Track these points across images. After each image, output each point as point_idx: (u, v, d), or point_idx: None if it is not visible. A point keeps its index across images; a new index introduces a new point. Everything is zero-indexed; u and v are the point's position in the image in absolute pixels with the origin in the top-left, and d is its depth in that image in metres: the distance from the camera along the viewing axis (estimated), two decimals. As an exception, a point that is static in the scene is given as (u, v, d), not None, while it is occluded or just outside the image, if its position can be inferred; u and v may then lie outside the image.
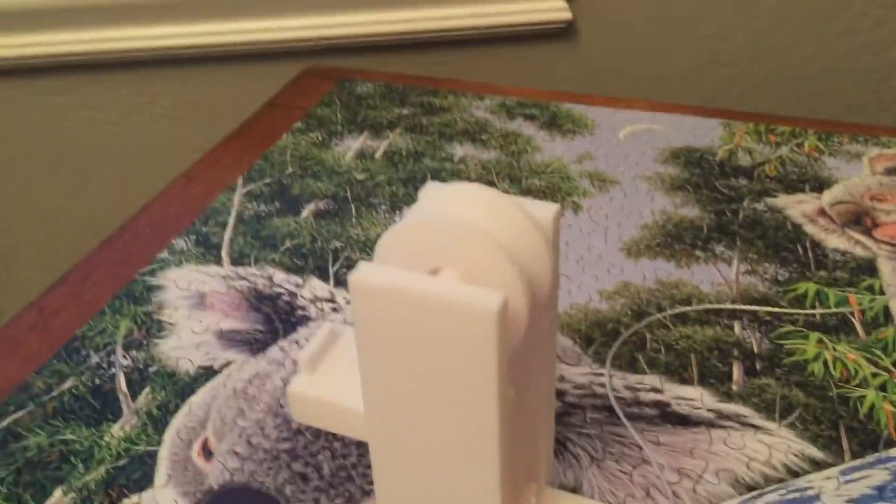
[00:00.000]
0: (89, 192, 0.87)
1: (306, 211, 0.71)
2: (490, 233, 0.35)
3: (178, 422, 0.51)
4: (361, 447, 0.49)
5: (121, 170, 0.94)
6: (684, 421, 0.50)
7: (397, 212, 0.70)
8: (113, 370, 0.55)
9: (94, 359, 0.56)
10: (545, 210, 0.37)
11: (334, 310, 0.59)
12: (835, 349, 0.55)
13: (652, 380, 0.53)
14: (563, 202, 0.70)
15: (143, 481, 0.47)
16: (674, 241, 0.65)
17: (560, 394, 0.52)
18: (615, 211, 0.69)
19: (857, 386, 0.52)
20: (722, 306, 0.58)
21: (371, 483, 0.47)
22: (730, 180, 0.73)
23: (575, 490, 0.46)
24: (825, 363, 0.54)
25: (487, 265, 0.34)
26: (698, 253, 0.64)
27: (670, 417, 0.50)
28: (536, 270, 0.36)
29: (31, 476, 0.48)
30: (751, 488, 0.46)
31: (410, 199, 0.71)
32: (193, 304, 0.60)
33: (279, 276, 0.63)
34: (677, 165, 0.75)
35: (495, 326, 0.31)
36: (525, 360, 0.37)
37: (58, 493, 0.47)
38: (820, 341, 0.55)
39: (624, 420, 0.50)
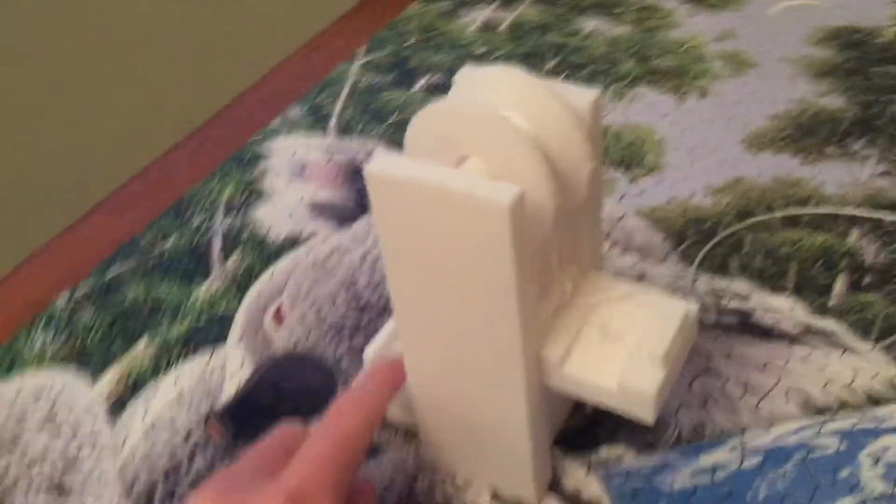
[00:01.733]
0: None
1: (419, 84, 0.69)
2: (516, 121, 0.33)
3: (259, 286, 0.53)
4: (422, 327, 0.49)
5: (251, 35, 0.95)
6: (765, 334, 0.46)
7: (509, 89, 0.67)
8: (211, 232, 0.58)
9: (197, 220, 0.59)
10: (584, 97, 0.34)
11: (425, 188, 0.59)
12: (965, 269, 0.48)
13: (740, 286, 0.49)
14: (689, 87, 0.65)
15: (219, 339, 0.50)
16: (805, 134, 0.59)
17: (635, 292, 0.49)
18: (746, 97, 0.63)
19: (980, 312, 0.46)
20: (841, 211, 0.52)
21: (423, 364, 0.47)
22: (889, 67, 0.64)
23: (627, 393, 0.44)
24: (948, 284, 0.47)
25: (512, 155, 0.32)
26: (830, 150, 0.57)
27: (751, 328, 0.46)
28: (570, 160, 0.33)
29: (124, 323, 0.52)
30: (821, 412, 0.42)
31: (527, 76, 0.68)
32: (294, 173, 0.62)
33: (380, 150, 0.63)
34: (831, 48, 0.67)
35: (508, 221, 0.30)
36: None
37: (143, 341, 0.51)
38: (949, 258, 0.49)
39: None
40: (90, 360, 0.50)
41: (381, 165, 0.32)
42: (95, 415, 0.48)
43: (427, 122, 0.34)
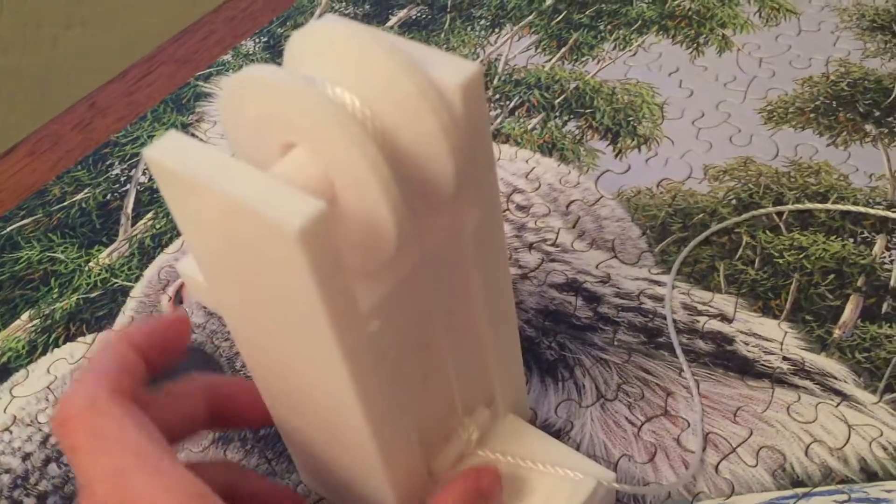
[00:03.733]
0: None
1: (394, 18, 0.60)
2: (348, 103, 0.24)
3: (164, 258, 0.46)
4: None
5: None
6: (745, 367, 0.37)
7: (495, 31, 0.57)
8: (128, 186, 0.50)
9: (116, 170, 0.52)
10: (454, 73, 0.25)
11: (376, 147, 0.50)
12: None
13: (724, 302, 0.39)
14: (709, 37, 0.54)
15: (105, 320, 0.43)
16: (841, 106, 0.48)
17: (594, 299, 0.40)
18: (777, 54, 0.52)
19: None
20: (869, 210, 0.42)
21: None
22: (962, 24, 0.52)
23: (559, 433, 0.36)
24: None
25: (341, 149, 0.23)
26: (868, 127, 0.46)
27: (728, 359, 0.37)
28: (426, 158, 0.24)
29: (10, 292, 0.46)
30: (798, 484, 0.33)
31: (518, 15, 0.58)
32: (233, 120, 0.53)
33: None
34: (892, -4, 0.55)
35: (300, 248, 0.21)
36: (431, 274, 0.28)
37: (25, 316, 0.44)
38: None
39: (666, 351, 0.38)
40: (-34, 332, 0.44)
41: (163, 151, 0.24)
42: (-40, 398, 0.41)
43: (242, 95, 0.25)
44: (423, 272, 0.27)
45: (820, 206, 0.43)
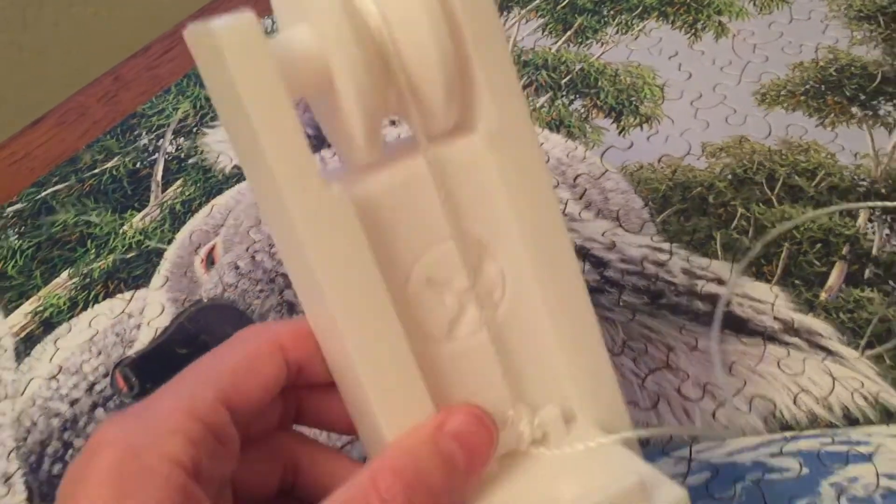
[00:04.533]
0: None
1: (407, 0, 0.62)
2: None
3: (195, 222, 0.49)
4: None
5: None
6: (739, 326, 0.40)
7: (504, 14, 0.60)
8: (156, 155, 0.53)
9: (144, 140, 0.54)
10: None
11: (392, 122, 0.53)
12: None
13: (720, 267, 0.43)
14: (707, 23, 0.57)
15: (142, 279, 0.46)
16: (829, 90, 0.51)
17: (601, 264, 0.43)
18: (770, 40, 0.55)
19: None
20: (850, 185, 0.46)
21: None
22: (942, 16, 0.55)
23: (570, 384, 0.39)
24: (962, 285, 0.41)
25: (328, 36, 0.23)
26: (855, 110, 0.50)
27: (724, 318, 0.41)
28: (413, 35, 0.23)
29: (48, 252, 0.48)
30: (786, 428, 0.37)
31: (525, 0, 0.61)
32: (255, 95, 0.56)
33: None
34: (878, -12, 0.58)
35: (224, 50, 0.21)
36: (447, 192, 0.25)
37: (64, 274, 0.47)
38: (969, 254, 0.42)
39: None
40: (8, 289, 0.47)
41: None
42: (4, 349, 0.44)
43: None
44: (429, 185, 0.25)
45: (808, 182, 0.46)
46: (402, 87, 0.24)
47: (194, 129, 0.54)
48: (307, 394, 0.29)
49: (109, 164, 0.53)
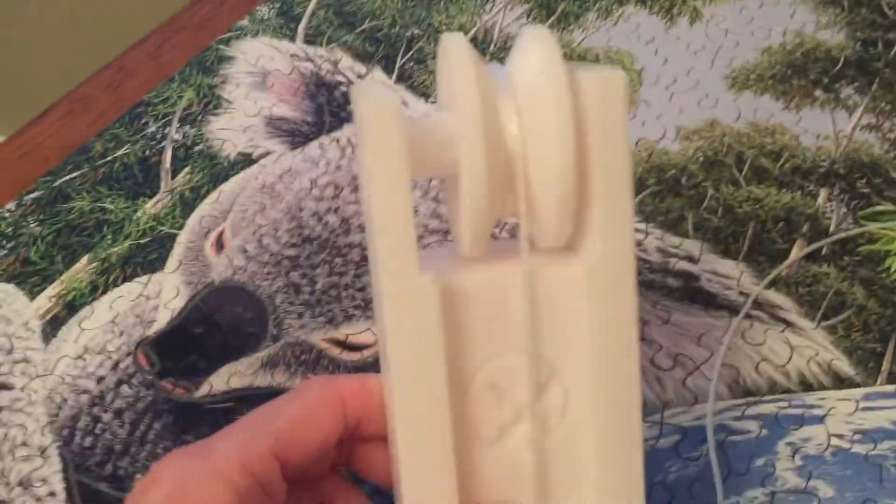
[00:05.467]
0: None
1: (397, -13, 0.65)
2: (502, 111, 0.25)
3: (203, 209, 0.52)
4: (360, 266, 0.48)
5: None
6: (708, 301, 0.44)
7: (492, 1, 0.63)
8: (164, 143, 0.56)
9: (151, 128, 0.57)
10: (595, 73, 0.25)
11: (386, 108, 0.56)
12: (932, 244, 0.45)
13: (691, 246, 0.47)
14: (682, 8, 0.60)
15: (157, 263, 0.50)
16: (795, 73, 0.55)
17: (582, 244, 0.47)
18: (740, 25, 0.58)
19: (937, 295, 0.43)
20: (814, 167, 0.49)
21: (354, 307, 0.46)
22: (903, -1, 0.59)
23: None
24: (910, 260, 0.45)
25: (461, 136, 0.25)
26: (818, 93, 0.53)
27: (694, 294, 0.45)
28: (540, 161, 0.25)
29: (67, 239, 0.52)
30: (749, 393, 0.41)
31: (512, -16, 0.63)
32: (255, 83, 0.59)
33: (346, 61, 0.60)
34: (844, -29, 0.61)
35: (365, 125, 0.24)
36: (535, 307, 0.26)
37: (84, 259, 0.50)
38: (918, 231, 0.46)
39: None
40: (32, 274, 0.50)
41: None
42: (33, 331, 0.48)
43: (443, 58, 0.27)
44: (519, 295, 0.26)
45: (773, 163, 0.50)
46: (521, 197, 0.25)
47: (199, 118, 0.57)
48: (360, 445, 0.30)
49: (120, 153, 0.56)
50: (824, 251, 0.46)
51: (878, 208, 0.47)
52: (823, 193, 0.48)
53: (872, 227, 0.46)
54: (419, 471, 0.26)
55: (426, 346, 0.25)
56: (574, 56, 0.58)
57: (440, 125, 0.25)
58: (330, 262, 0.48)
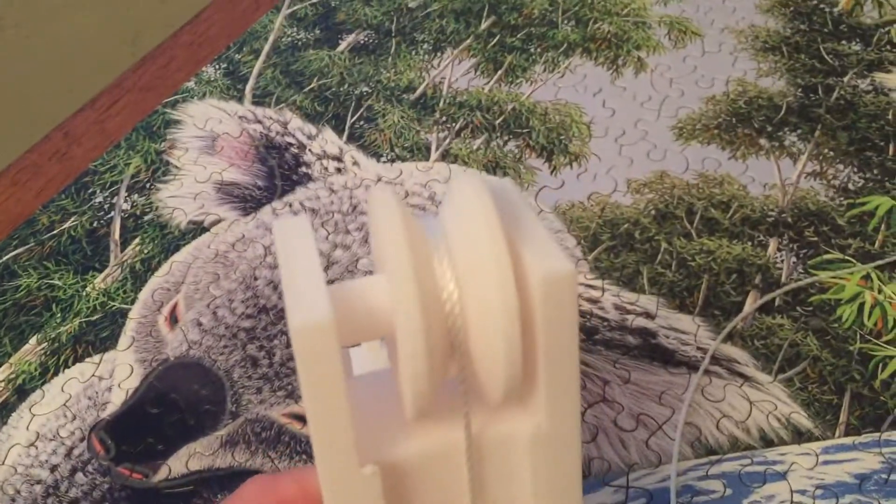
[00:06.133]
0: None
1: (344, 43, 0.65)
2: (439, 277, 0.24)
3: (155, 281, 0.51)
4: (318, 337, 0.47)
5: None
6: (667, 358, 0.45)
7: (438, 55, 0.63)
8: (112, 213, 0.55)
9: (99, 198, 0.56)
10: (542, 264, 0.24)
11: (338, 170, 0.56)
12: (881, 290, 0.46)
13: (648, 301, 0.47)
14: (626, 58, 0.61)
15: (109, 341, 0.49)
16: (739, 122, 0.56)
17: (540, 305, 0.47)
18: (685, 74, 0.59)
19: (888, 342, 0.44)
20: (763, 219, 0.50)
21: (315, 380, 0.46)
22: (839, 44, 0.60)
23: (517, 422, 0.43)
24: (860, 307, 0.46)
25: (398, 305, 0.24)
26: (762, 141, 0.54)
27: (653, 351, 0.45)
28: (484, 348, 0.24)
29: (15, 319, 0.50)
30: (711, 452, 0.41)
31: (457, 39, 0.64)
32: (204, 147, 0.59)
33: (295, 122, 0.59)
34: (782, 17, 0.63)
35: (294, 342, 0.23)
36: (479, 471, 0.26)
37: (33, 340, 0.49)
38: (866, 278, 0.47)
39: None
40: (-22, 357, 0.49)
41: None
42: (-18, 418, 0.46)
43: (373, 211, 0.26)
44: (462, 461, 0.26)
45: (722, 215, 0.51)
46: (462, 364, 0.24)
47: (147, 185, 0.56)
48: None
49: (67, 225, 0.55)
50: (777, 302, 0.46)
51: (827, 256, 0.48)
52: (773, 243, 0.49)
53: (822, 276, 0.47)
54: None
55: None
56: (523, 111, 0.58)
57: (374, 291, 0.25)
58: (287, 333, 0.47)
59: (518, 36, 0.64)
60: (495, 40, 0.63)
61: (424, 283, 0.23)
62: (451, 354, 0.24)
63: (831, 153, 0.53)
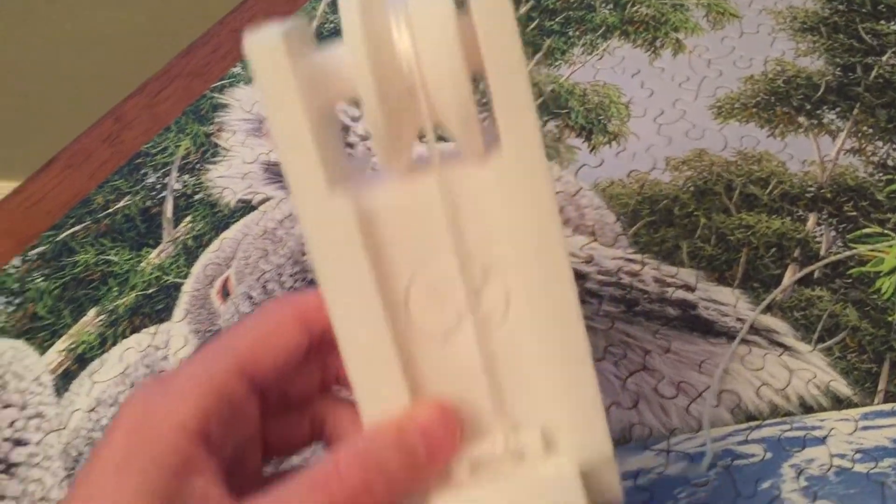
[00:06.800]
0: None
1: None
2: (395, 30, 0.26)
3: (207, 257, 0.53)
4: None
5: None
6: (706, 328, 0.45)
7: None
8: (164, 193, 0.57)
9: (151, 178, 0.58)
10: None
11: (382, 150, 0.57)
12: (920, 263, 0.47)
13: (687, 275, 0.48)
14: (664, 40, 0.62)
15: (164, 313, 0.50)
16: (778, 101, 0.56)
17: (580, 276, 0.48)
18: (723, 55, 0.60)
19: (927, 313, 0.45)
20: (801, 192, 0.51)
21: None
22: (878, 24, 0.60)
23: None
24: (900, 280, 0.46)
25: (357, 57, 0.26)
26: (801, 119, 0.55)
27: (693, 322, 0.46)
28: (433, 66, 0.26)
29: (74, 292, 0.52)
30: (751, 418, 0.42)
31: None
32: (251, 129, 0.60)
33: (339, 104, 0.61)
34: (820, -1, 0.63)
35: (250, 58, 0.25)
36: (452, 214, 0.27)
37: (92, 312, 0.51)
38: (905, 251, 0.47)
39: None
40: (40, 329, 0.51)
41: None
42: (45, 386, 0.48)
43: None
44: (438, 205, 0.27)
45: (762, 190, 0.51)
46: (423, 112, 0.26)
47: (197, 166, 0.58)
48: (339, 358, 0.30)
49: (121, 204, 0.57)
50: (816, 275, 0.47)
51: (866, 231, 0.48)
52: (812, 218, 0.50)
53: (861, 249, 0.48)
54: (364, 376, 0.27)
55: (347, 261, 0.26)
56: (562, 92, 0.59)
57: (334, 59, 0.26)
58: (335, 305, 0.49)
59: (556, 20, 0.64)
60: (534, 24, 0.64)
61: (376, 42, 0.25)
62: (413, 109, 0.26)
63: (870, 130, 0.54)
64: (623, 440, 0.42)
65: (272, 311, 0.30)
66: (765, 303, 0.46)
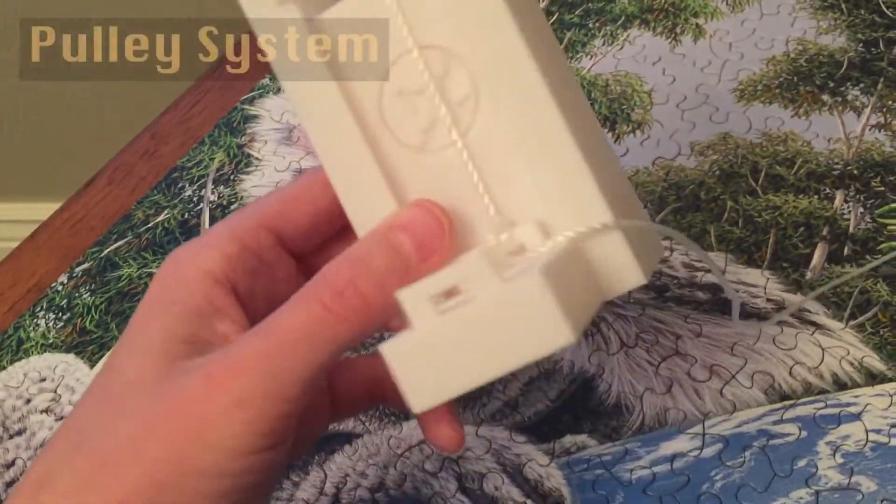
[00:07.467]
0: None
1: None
2: None
3: (245, 264, 0.54)
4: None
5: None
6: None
7: (499, 35, 0.65)
8: (201, 205, 0.59)
9: (188, 191, 0.60)
10: None
11: (410, 152, 0.58)
12: (951, 235, 0.47)
13: (716, 258, 0.48)
14: (685, 26, 0.62)
15: (206, 321, 0.52)
16: (801, 80, 0.56)
17: (610, 267, 0.49)
18: (743, 38, 0.60)
19: (960, 285, 0.45)
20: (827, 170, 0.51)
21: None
22: (900, -3, 0.60)
23: (593, 378, 0.45)
24: (931, 253, 0.46)
25: None
26: (825, 97, 0.55)
27: (723, 305, 0.46)
28: None
29: (119, 306, 0.54)
30: (785, 398, 0.42)
31: (518, 19, 0.66)
32: (281, 138, 0.62)
33: (366, 109, 0.62)
34: (840, -25, 0.63)
35: None
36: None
37: (138, 325, 0.53)
38: (935, 224, 0.47)
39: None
40: (89, 343, 0.53)
41: None
42: (96, 397, 0.50)
43: None
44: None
45: (788, 170, 0.52)
46: None
47: (231, 177, 0.60)
48: None
49: (160, 218, 0.59)
50: (846, 251, 0.47)
51: (894, 205, 0.48)
52: (840, 195, 0.50)
53: (890, 223, 0.48)
54: (354, 196, 0.28)
55: (310, 72, 0.28)
56: (585, 84, 0.60)
57: None
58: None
59: (576, 12, 0.65)
60: (554, 18, 0.65)
61: None
62: None
63: (895, 105, 0.53)
64: (658, 425, 0.43)
65: (302, 177, 0.31)
66: (813, 293, 0.45)
